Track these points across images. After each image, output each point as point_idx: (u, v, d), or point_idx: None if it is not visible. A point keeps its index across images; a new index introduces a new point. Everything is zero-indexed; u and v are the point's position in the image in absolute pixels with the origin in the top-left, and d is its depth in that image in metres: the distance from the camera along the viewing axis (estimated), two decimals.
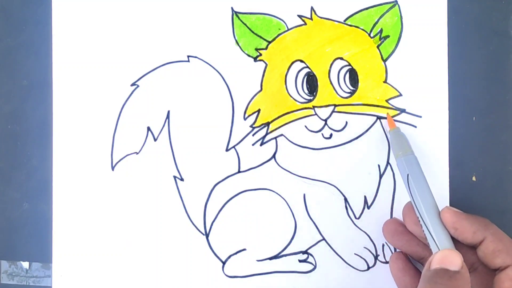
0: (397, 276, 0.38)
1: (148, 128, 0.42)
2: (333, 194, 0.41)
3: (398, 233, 0.38)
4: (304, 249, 0.41)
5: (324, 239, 0.41)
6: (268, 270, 0.41)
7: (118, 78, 0.42)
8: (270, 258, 0.41)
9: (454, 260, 0.33)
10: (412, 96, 0.41)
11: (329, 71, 0.41)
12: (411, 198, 0.37)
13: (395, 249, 0.40)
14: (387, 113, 0.40)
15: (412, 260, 0.39)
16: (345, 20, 0.41)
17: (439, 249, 0.34)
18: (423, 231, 0.36)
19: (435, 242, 0.35)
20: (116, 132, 0.42)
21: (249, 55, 0.41)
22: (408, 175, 0.37)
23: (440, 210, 0.36)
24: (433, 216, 0.36)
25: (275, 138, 0.41)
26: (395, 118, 0.41)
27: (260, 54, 0.41)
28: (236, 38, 0.41)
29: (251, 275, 0.41)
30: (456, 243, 0.35)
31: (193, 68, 0.42)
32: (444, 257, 0.33)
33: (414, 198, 0.36)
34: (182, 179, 0.41)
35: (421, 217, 0.36)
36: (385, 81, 0.41)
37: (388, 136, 0.40)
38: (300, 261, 0.41)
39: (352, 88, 0.41)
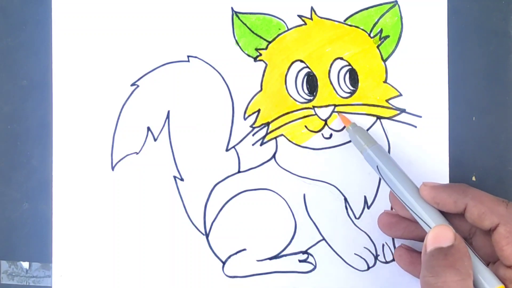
0: (409, 270, 0.38)
1: (148, 128, 0.42)
2: (333, 194, 0.41)
3: (393, 224, 0.39)
4: (304, 249, 0.41)
5: (324, 239, 0.41)
6: (268, 270, 0.41)
7: (118, 78, 0.42)
8: (270, 258, 0.41)
9: (445, 235, 0.33)
10: (412, 96, 0.41)
11: (329, 71, 0.41)
12: (389, 186, 0.37)
13: (395, 248, 0.40)
14: (338, 112, 0.40)
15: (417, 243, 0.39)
16: (345, 20, 0.41)
17: (430, 228, 0.34)
18: (412, 214, 0.36)
19: (425, 223, 0.35)
20: (116, 132, 0.42)
21: (249, 55, 0.41)
22: (377, 166, 0.37)
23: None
24: (414, 198, 0.36)
25: (275, 138, 0.41)
26: (395, 118, 0.41)
27: (260, 54, 0.41)
28: (236, 38, 0.41)
29: (251, 275, 0.41)
30: (449, 214, 0.35)
31: (193, 68, 0.42)
32: (436, 235, 0.33)
33: (392, 186, 0.37)
34: (182, 179, 0.41)
35: (404, 202, 0.36)
36: (385, 81, 0.41)
37: (348, 135, 0.40)
38: (300, 261, 0.41)
39: (352, 88, 0.41)
